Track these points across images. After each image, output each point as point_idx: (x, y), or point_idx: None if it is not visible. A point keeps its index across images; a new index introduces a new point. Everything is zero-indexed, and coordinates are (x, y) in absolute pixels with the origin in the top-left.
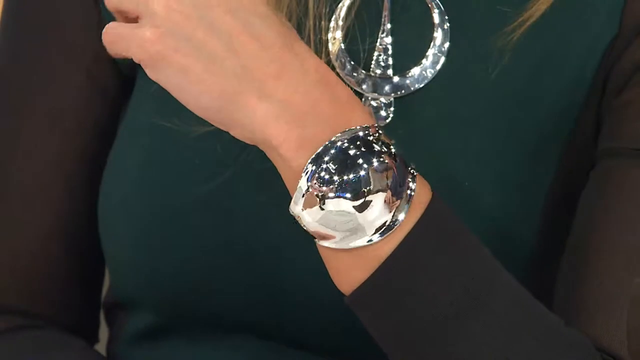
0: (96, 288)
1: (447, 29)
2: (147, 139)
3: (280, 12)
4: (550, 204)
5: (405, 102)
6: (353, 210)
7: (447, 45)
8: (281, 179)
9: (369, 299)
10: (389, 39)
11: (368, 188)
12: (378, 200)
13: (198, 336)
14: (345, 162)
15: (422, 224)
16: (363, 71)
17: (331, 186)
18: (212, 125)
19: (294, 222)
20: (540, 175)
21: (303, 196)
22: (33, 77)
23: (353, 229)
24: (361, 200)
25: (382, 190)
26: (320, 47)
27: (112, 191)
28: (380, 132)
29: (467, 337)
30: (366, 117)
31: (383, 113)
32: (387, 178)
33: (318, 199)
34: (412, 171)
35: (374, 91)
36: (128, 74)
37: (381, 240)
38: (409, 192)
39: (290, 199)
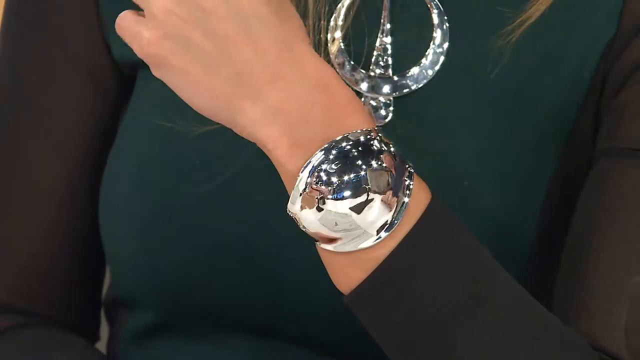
0: (97, 287)
1: (446, 29)
2: (147, 139)
3: (284, 10)
4: (549, 203)
5: (404, 102)
6: (351, 212)
7: (446, 45)
8: (281, 179)
9: (367, 299)
10: (388, 39)
11: (367, 188)
12: (377, 200)
13: (198, 335)
14: (344, 164)
15: (421, 224)
16: (362, 71)
17: (329, 187)
18: (212, 125)
19: (293, 222)
20: (540, 175)
21: (300, 195)
22: (33, 77)
23: (354, 231)
24: (360, 201)
25: (381, 192)
26: (319, 47)
27: (112, 191)
28: (380, 135)
29: (466, 337)
30: (365, 120)
31: (382, 112)
32: (385, 179)
33: (317, 200)
34: (410, 172)
35: (374, 91)
36: (128, 74)
37: (380, 240)
38: (407, 192)
39: (289, 198)
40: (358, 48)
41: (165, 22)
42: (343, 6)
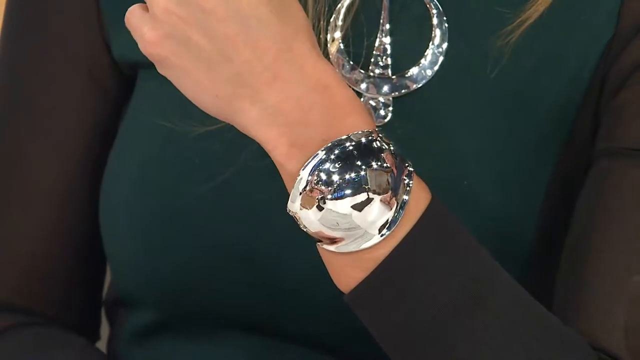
0: (97, 286)
1: (445, 29)
2: (147, 139)
3: (286, 9)
4: (549, 203)
5: (404, 102)
6: (352, 212)
7: (445, 45)
8: (281, 178)
9: (367, 299)
10: (387, 39)
11: (367, 188)
12: (377, 200)
13: (198, 334)
14: (344, 164)
15: (421, 225)
16: (362, 71)
17: (330, 187)
18: (212, 125)
19: (294, 222)
20: (539, 175)
21: (300, 194)
22: (33, 77)
23: (355, 231)
24: (360, 201)
25: (381, 191)
26: (319, 47)
27: (113, 191)
28: (380, 135)
29: (466, 337)
30: (365, 120)
31: (382, 112)
32: (385, 179)
33: (317, 200)
34: (410, 171)
35: (373, 91)
36: (128, 74)
37: (381, 240)
38: (407, 191)
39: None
40: (357, 48)
41: (165, 22)
42: (342, 6)
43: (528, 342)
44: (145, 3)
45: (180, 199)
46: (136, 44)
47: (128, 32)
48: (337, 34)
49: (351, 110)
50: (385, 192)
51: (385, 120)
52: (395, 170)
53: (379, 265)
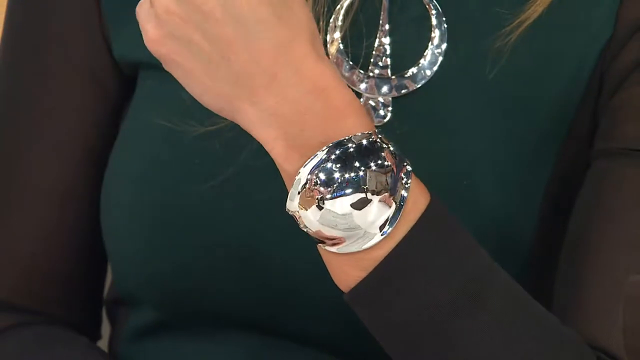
0: (98, 286)
1: (444, 29)
2: (147, 139)
3: (287, 9)
4: (548, 203)
5: (403, 102)
6: (351, 212)
7: (444, 46)
8: (281, 178)
9: (366, 298)
10: (387, 40)
11: (366, 188)
12: (376, 200)
13: (199, 333)
14: (343, 165)
15: (419, 225)
16: (361, 71)
17: (329, 187)
18: (212, 125)
19: (294, 221)
20: (539, 175)
21: (298, 194)
22: (33, 77)
23: (356, 231)
24: (359, 201)
25: (380, 192)
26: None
27: (114, 190)
28: (380, 136)
29: (465, 336)
30: (363, 122)
31: (381, 113)
32: (384, 179)
33: (316, 200)
34: (408, 170)
35: (372, 91)
36: (129, 74)
37: (380, 240)
38: (405, 189)
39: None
40: (357, 49)
41: (167, 22)
42: (342, 7)
43: (527, 342)
44: None
45: (181, 199)
46: (136, 44)
47: (128, 32)
48: (337, 35)
49: (349, 112)
50: (384, 192)
51: (385, 120)
52: (394, 170)
53: (377, 266)
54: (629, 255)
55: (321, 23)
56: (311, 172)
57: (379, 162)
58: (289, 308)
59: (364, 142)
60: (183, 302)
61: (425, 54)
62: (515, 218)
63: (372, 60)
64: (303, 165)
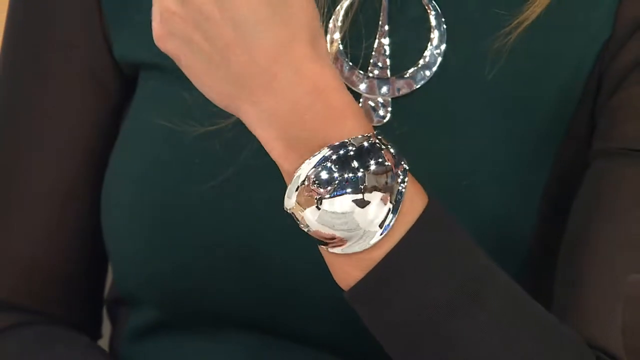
0: (99, 285)
1: (443, 30)
2: (148, 139)
3: (287, 9)
4: (547, 203)
5: (402, 102)
6: (350, 211)
7: (443, 46)
8: (281, 178)
9: (365, 298)
10: (386, 40)
11: (364, 189)
12: (375, 201)
13: (199, 333)
14: (342, 166)
15: (418, 225)
16: (361, 72)
17: (328, 187)
18: (212, 125)
19: (293, 221)
20: (538, 175)
21: (296, 191)
22: (34, 78)
23: (356, 231)
24: (358, 202)
25: (379, 192)
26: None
27: (114, 191)
28: (378, 137)
29: (463, 336)
30: (362, 124)
31: (381, 113)
32: (383, 180)
33: (315, 201)
34: (405, 169)
35: (372, 92)
36: (129, 74)
37: (380, 240)
38: (402, 187)
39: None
40: (356, 49)
41: (168, 21)
42: (341, 8)
43: (526, 342)
44: None
45: (181, 199)
46: (137, 44)
47: (129, 33)
48: (336, 35)
49: (348, 113)
50: (383, 191)
51: (384, 120)
52: (393, 170)
53: (375, 266)
54: (628, 255)
55: (321, 24)
56: (311, 171)
57: (379, 161)
58: (289, 308)
59: (365, 144)
60: (183, 302)
61: (424, 54)
62: (515, 218)
63: (371, 60)
64: (302, 164)
